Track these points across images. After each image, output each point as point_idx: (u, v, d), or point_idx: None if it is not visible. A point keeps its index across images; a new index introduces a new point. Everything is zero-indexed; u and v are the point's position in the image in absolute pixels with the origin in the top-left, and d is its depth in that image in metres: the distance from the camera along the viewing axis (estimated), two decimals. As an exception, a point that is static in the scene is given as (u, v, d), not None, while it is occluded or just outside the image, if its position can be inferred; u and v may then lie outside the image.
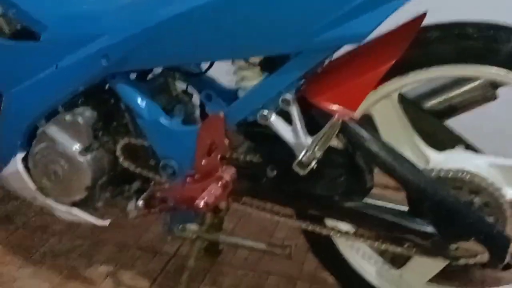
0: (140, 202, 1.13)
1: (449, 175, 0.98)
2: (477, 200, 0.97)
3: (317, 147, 0.94)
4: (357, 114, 1.05)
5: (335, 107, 0.97)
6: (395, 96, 1.05)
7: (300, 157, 0.95)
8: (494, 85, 1.16)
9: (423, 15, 0.99)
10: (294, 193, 1.05)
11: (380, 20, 0.88)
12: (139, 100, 1.10)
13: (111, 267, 1.45)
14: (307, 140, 0.98)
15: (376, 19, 0.88)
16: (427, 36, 0.97)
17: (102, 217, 1.23)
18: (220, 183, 1.02)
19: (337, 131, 0.96)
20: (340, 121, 0.96)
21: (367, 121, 1.08)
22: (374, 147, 0.97)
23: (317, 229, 1.08)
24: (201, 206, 0.97)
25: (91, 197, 1.20)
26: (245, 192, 1.09)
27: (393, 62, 0.96)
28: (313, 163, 0.95)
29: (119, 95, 1.11)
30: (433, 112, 1.17)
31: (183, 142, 1.08)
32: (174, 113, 1.14)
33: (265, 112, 1.00)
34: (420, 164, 1.06)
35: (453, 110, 1.17)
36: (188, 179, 1.09)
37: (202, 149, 1.05)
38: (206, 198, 0.98)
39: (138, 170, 1.17)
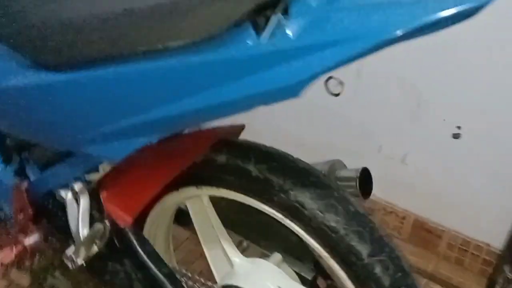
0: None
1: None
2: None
3: (82, 247, 0.95)
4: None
5: (111, 209, 0.96)
6: (206, 197, 1.01)
7: (66, 251, 0.96)
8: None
9: (211, 134, 0.93)
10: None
11: (132, 150, 0.84)
12: None
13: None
14: (83, 234, 0.98)
15: (129, 147, 0.84)
16: (215, 159, 0.92)
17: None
18: (15, 248, 1.06)
19: (106, 234, 0.96)
20: (108, 226, 0.95)
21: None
22: (138, 259, 0.95)
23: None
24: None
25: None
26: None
27: (177, 173, 0.93)
28: (77, 262, 0.96)
29: None
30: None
31: (8, 193, 1.12)
32: (12, 161, 1.17)
33: (61, 193, 1.01)
34: (225, 269, 1.04)
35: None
36: (11, 228, 1.14)
37: (15, 207, 1.09)
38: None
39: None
